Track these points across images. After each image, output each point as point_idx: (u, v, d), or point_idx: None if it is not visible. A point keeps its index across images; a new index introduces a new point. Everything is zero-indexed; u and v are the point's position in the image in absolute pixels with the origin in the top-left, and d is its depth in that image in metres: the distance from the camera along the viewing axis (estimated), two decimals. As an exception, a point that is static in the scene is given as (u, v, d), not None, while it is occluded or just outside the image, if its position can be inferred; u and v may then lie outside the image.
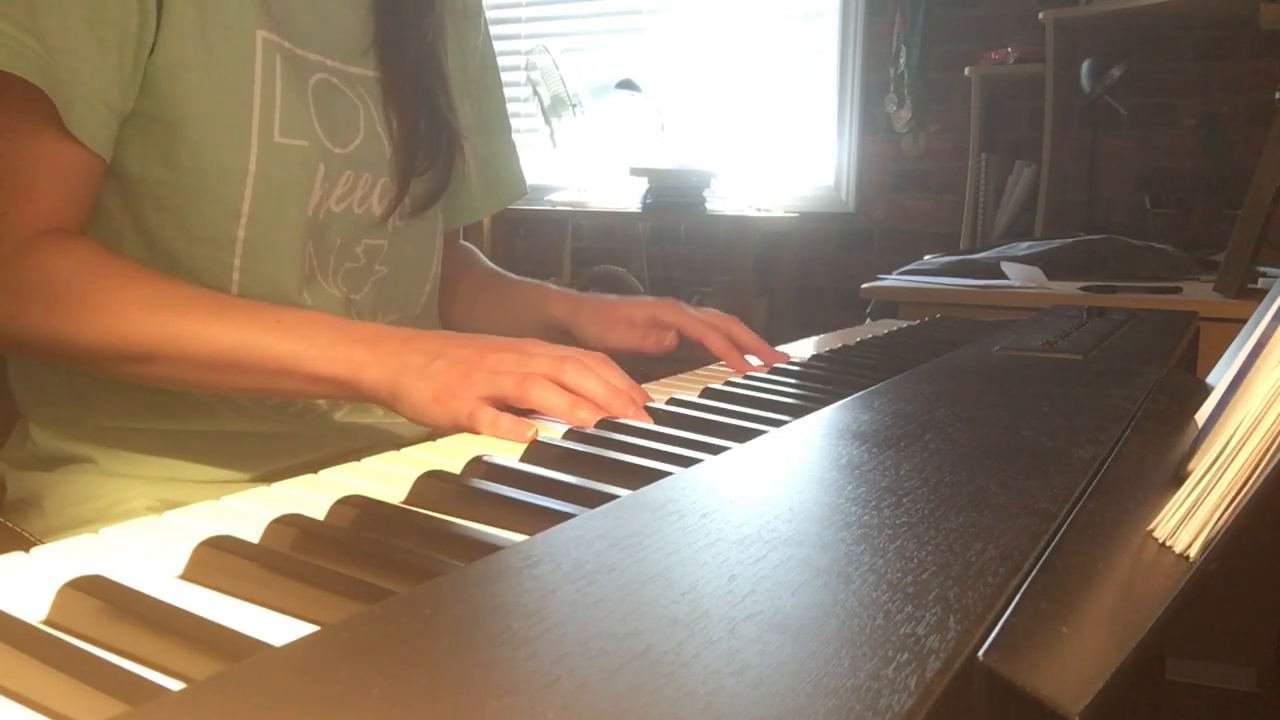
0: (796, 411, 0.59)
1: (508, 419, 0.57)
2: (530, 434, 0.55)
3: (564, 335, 0.94)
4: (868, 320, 1.62)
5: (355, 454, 0.51)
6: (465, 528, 0.39)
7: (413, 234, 0.86)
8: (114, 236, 0.73)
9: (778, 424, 0.56)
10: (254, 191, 0.72)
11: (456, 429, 0.58)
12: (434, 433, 0.89)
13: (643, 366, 0.95)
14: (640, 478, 0.44)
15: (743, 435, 0.53)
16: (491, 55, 1.01)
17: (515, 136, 1.06)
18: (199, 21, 0.69)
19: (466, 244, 1.08)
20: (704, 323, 0.85)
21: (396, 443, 0.55)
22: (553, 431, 0.55)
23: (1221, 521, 0.36)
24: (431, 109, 0.85)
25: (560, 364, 0.60)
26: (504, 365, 0.60)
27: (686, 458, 0.48)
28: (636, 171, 3.01)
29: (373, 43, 0.81)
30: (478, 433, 0.57)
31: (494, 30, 1.02)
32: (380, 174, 0.81)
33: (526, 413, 0.59)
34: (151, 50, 0.68)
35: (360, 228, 0.81)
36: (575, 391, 0.59)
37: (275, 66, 0.72)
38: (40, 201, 0.67)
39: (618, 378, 0.61)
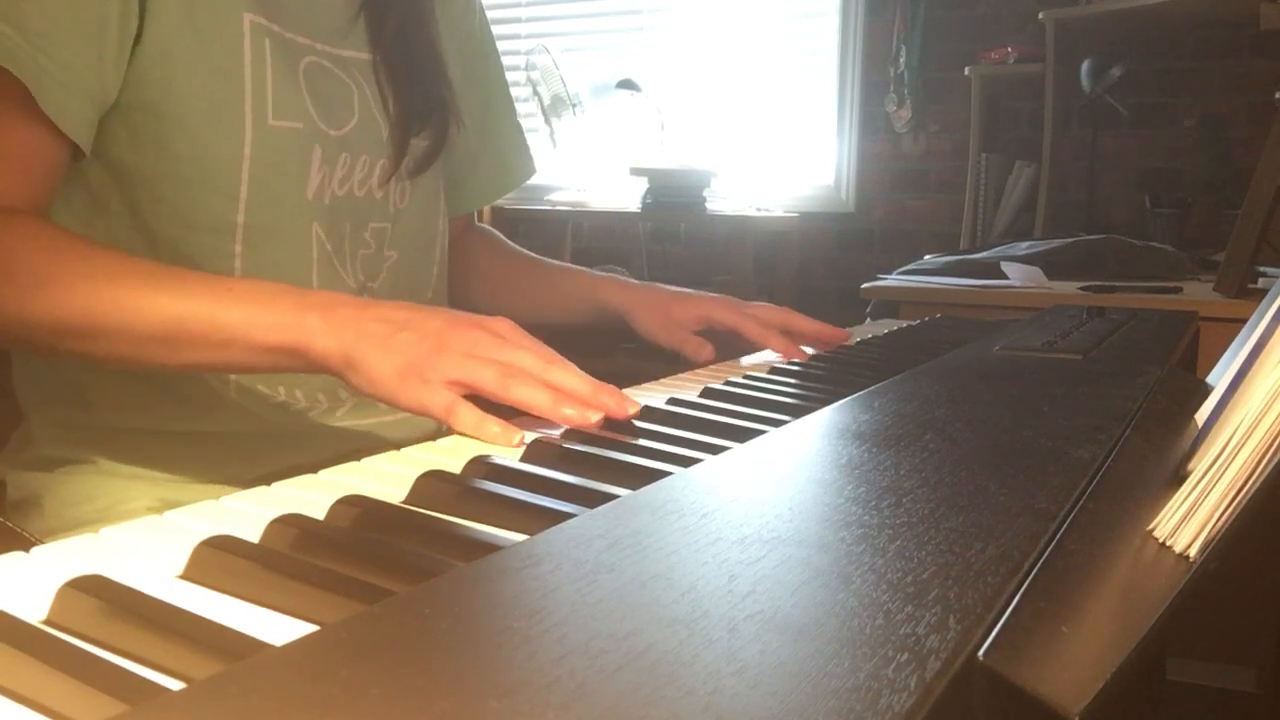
0: (796, 411, 0.59)
1: (494, 423, 0.54)
2: (517, 441, 0.52)
3: (619, 324, 0.94)
4: (868, 320, 1.62)
5: (355, 455, 0.51)
6: (465, 528, 0.39)
7: (415, 216, 0.86)
8: (113, 231, 0.73)
9: (778, 424, 0.56)
10: (250, 175, 0.72)
11: (423, 413, 0.56)
12: (434, 434, 0.88)
13: (644, 367, 0.95)
14: (640, 478, 0.44)
15: (743, 435, 0.53)
16: (489, 37, 1.00)
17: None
18: (186, 7, 0.69)
19: (485, 226, 1.07)
20: (762, 323, 0.86)
21: (397, 444, 0.54)
22: (551, 433, 0.55)
23: (1221, 521, 0.36)
24: (425, 82, 0.84)
25: (546, 362, 0.57)
26: (479, 348, 0.57)
27: (686, 458, 0.48)
28: (636, 171, 3.01)
29: (355, 18, 0.81)
30: (455, 430, 0.55)
31: (494, 30, 1.01)
32: (378, 156, 0.81)
33: (508, 410, 0.57)
34: (139, 39, 0.68)
35: (364, 211, 0.81)
36: (558, 389, 0.56)
37: (265, 49, 0.72)
38: (2, 180, 0.66)
39: (594, 383, 0.58)
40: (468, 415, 0.54)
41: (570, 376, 0.57)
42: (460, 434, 0.55)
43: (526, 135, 1.05)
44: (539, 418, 0.56)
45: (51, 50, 0.64)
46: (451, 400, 0.55)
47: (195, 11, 0.69)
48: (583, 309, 0.96)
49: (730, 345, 0.89)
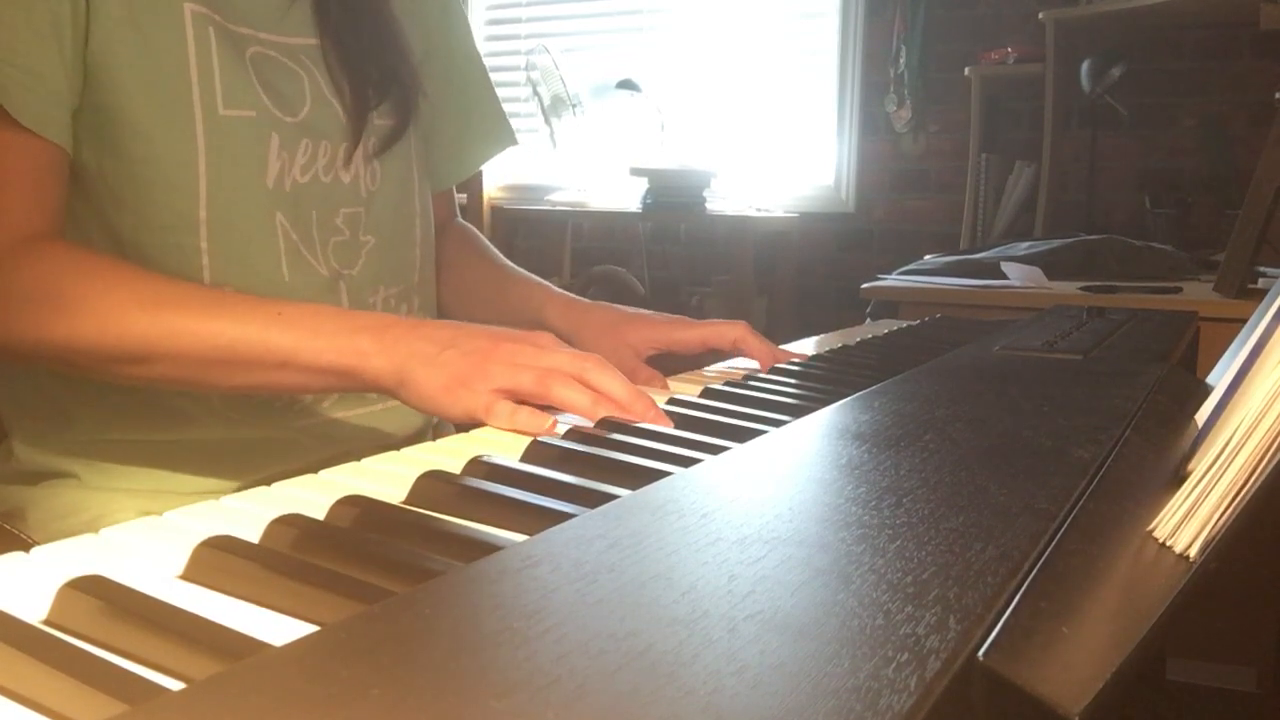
0: (796, 411, 0.59)
1: (526, 411, 0.56)
2: (548, 425, 0.55)
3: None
4: (868, 320, 1.62)
5: (341, 458, 0.51)
6: (465, 528, 0.39)
7: (389, 199, 0.84)
8: (83, 237, 0.72)
9: (778, 424, 0.56)
10: (207, 168, 0.71)
11: (468, 420, 0.58)
12: (423, 431, 0.86)
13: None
14: (640, 478, 0.44)
15: (743, 435, 0.53)
16: (458, 9, 0.97)
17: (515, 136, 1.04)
18: (125, 3, 0.68)
19: (466, 224, 1.04)
20: (733, 328, 0.81)
21: (384, 443, 0.54)
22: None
23: (1221, 521, 0.36)
24: (379, 59, 0.82)
25: (582, 362, 0.59)
26: (521, 358, 0.59)
27: (686, 458, 0.48)
28: (636, 171, 3.01)
29: (293, 4, 0.78)
30: (492, 425, 0.57)
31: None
32: (340, 140, 0.79)
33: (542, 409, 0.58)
34: (87, 37, 0.67)
35: (334, 197, 0.79)
36: (597, 390, 0.58)
37: (209, 38, 0.71)
38: (14, 206, 0.66)
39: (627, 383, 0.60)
40: (502, 408, 0.57)
41: (608, 379, 0.59)
42: (497, 428, 0.57)
43: (520, 146, 1.02)
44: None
45: (16, 60, 0.64)
46: (489, 399, 0.57)
47: (134, 6, 0.68)
48: (527, 325, 0.93)
49: (696, 363, 0.85)
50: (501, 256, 1.01)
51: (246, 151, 0.73)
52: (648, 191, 2.99)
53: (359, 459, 0.50)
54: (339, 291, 0.79)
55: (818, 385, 0.71)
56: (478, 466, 0.47)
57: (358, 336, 0.60)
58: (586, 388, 0.58)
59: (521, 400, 0.58)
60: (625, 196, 3.14)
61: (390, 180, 0.84)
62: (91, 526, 0.71)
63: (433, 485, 0.43)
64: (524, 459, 0.50)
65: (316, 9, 0.80)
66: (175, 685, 0.26)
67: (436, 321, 0.63)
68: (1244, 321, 0.69)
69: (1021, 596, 0.31)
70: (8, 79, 0.63)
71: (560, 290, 0.93)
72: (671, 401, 0.62)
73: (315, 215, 0.78)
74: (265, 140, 0.74)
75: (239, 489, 0.75)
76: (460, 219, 1.04)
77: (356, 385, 0.62)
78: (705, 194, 2.99)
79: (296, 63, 0.78)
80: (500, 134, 1.00)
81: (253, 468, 0.75)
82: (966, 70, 2.84)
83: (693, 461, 0.47)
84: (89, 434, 0.75)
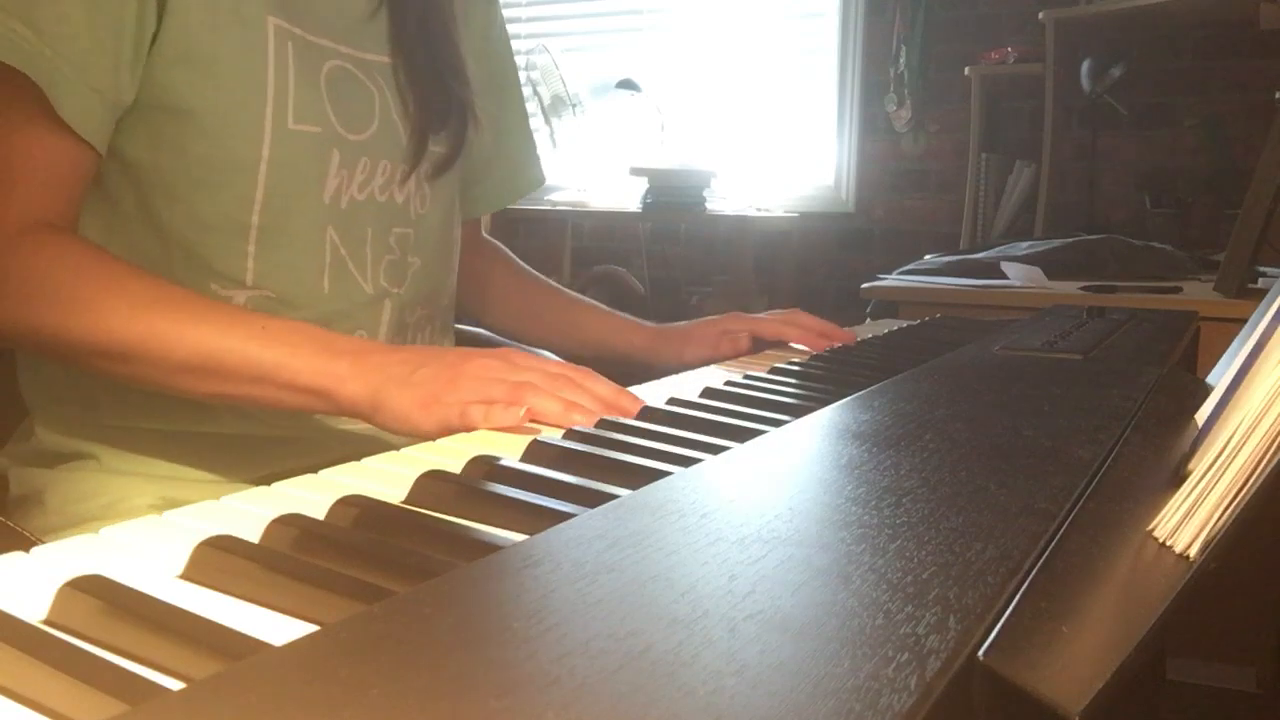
0: (796, 411, 0.59)
1: (499, 406, 0.57)
2: (521, 414, 0.56)
3: (633, 364, 0.99)
4: (868, 320, 1.62)
5: (354, 456, 0.51)
6: (465, 528, 0.39)
7: (436, 223, 0.86)
8: (125, 229, 0.73)
9: (778, 424, 0.56)
10: (267, 178, 0.72)
11: (445, 433, 0.58)
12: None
13: (643, 367, 0.96)
14: (640, 478, 0.44)
15: (743, 435, 0.53)
16: (508, 48, 1.01)
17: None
18: (208, 9, 0.69)
19: (493, 240, 1.08)
20: (778, 321, 0.93)
21: (400, 443, 0.54)
22: (551, 433, 0.55)
23: (1221, 521, 0.36)
24: (446, 82, 0.85)
25: (553, 379, 0.60)
26: (492, 372, 0.59)
27: (686, 458, 0.48)
28: (636, 171, 3.01)
29: (375, 17, 0.81)
30: (471, 429, 0.57)
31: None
32: (399, 161, 0.81)
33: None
34: (155, 39, 0.68)
35: (386, 216, 0.81)
36: (568, 403, 0.59)
37: (288, 54, 0.73)
38: (29, 194, 0.66)
39: (605, 388, 0.61)
40: (475, 410, 0.57)
41: (579, 395, 0.59)
42: (474, 427, 0.57)
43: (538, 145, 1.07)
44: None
45: (68, 53, 0.64)
46: (463, 407, 0.57)
47: (219, 14, 0.69)
48: (603, 349, 1.00)
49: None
50: (547, 279, 1.07)
51: (307, 165, 0.74)
52: (648, 191, 2.99)
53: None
54: (381, 309, 0.81)
55: (818, 385, 0.71)
56: (478, 466, 0.47)
57: (336, 360, 0.61)
58: (557, 399, 0.59)
59: None
60: (625, 196, 3.14)
61: (438, 205, 0.87)
62: (109, 511, 0.73)
63: (433, 485, 0.43)
64: (524, 459, 0.50)
65: (394, 26, 0.82)
66: (175, 685, 0.26)
67: (411, 346, 0.64)
68: (1244, 321, 0.69)
69: (1021, 596, 0.31)
70: (56, 71, 0.64)
71: (631, 318, 1.02)
72: (671, 401, 0.62)
73: (370, 233, 0.80)
74: (326, 156, 0.75)
75: (256, 480, 0.76)
76: (484, 234, 1.08)
77: (331, 408, 0.63)
78: (705, 194, 2.99)
79: (370, 79, 0.80)
80: (535, 174, 1.07)
81: (269, 462, 0.76)
82: (966, 70, 2.84)
83: (693, 461, 0.46)
84: (113, 420, 0.76)
